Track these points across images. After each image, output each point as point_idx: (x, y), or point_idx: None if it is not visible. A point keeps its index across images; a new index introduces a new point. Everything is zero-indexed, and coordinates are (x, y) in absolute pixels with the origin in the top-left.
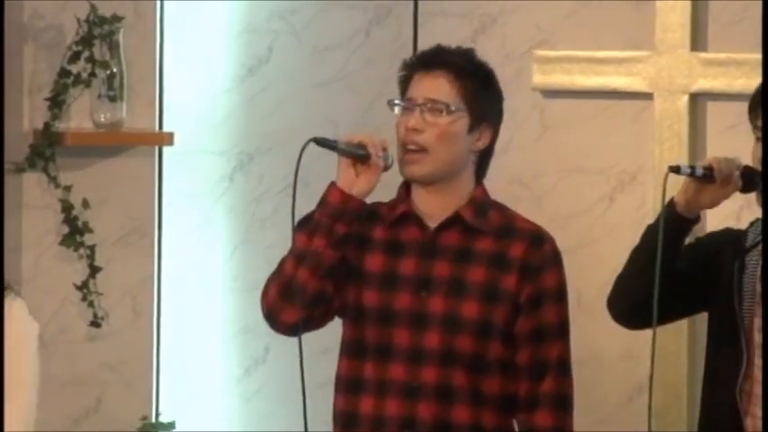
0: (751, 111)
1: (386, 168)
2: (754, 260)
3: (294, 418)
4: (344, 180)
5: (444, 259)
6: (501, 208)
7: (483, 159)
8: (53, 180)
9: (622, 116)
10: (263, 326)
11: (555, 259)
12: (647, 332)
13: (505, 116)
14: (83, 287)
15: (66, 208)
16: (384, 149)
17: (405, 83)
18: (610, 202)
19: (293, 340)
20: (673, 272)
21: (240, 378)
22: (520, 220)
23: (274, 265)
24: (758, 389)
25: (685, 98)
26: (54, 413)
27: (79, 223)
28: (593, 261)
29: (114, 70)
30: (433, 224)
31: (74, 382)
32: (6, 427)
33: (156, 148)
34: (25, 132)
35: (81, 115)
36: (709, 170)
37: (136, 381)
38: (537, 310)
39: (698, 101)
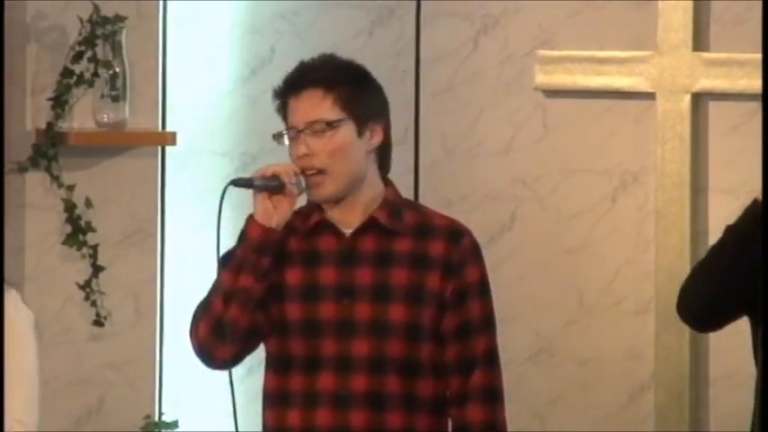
0: None
1: (300, 193)
2: None
3: None
4: (262, 213)
5: (365, 265)
6: (414, 206)
7: (383, 155)
8: (56, 180)
9: (625, 116)
10: None
11: (475, 253)
12: (649, 332)
13: (508, 116)
14: (85, 287)
15: (69, 207)
16: (296, 175)
17: (283, 110)
18: (612, 203)
19: None
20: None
21: (243, 378)
22: (435, 217)
23: None
24: None
25: (687, 98)
26: (56, 413)
27: (82, 223)
28: (596, 261)
29: (117, 70)
30: (348, 230)
31: (76, 382)
32: (7, 418)
33: (159, 148)
34: (28, 132)
35: (84, 115)
36: None
37: (138, 380)
38: (461, 307)
39: (700, 101)
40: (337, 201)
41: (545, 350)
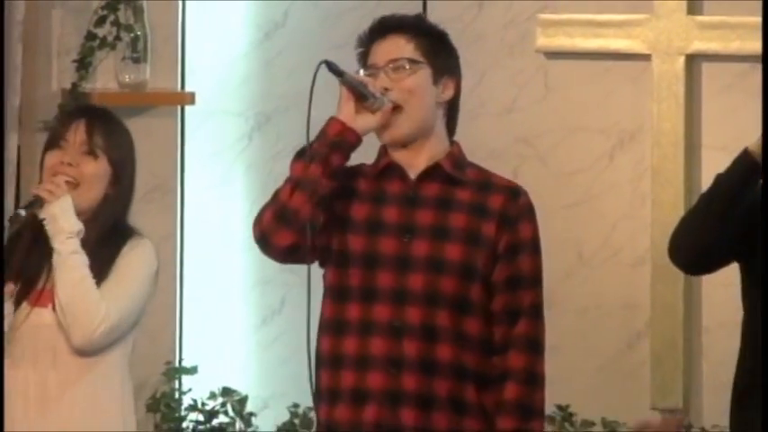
0: None
1: (378, 110)
2: None
3: None
4: (345, 114)
5: (427, 208)
6: (477, 166)
7: (450, 112)
8: None
9: (622, 77)
10: (280, 277)
11: (530, 212)
12: (645, 282)
13: (511, 77)
14: None
15: None
16: (383, 91)
17: (364, 57)
18: (610, 160)
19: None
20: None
21: (258, 327)
22: (496, 177)
23: None
24: None
25: (682, 60)
26: None
27: None
28: (594, 215)
29: (138, 33)
30: (413, 173)
31: None
32: (101, 304)
33: (179, 108)
34: (54, 93)
35: (106, 76)
36: None
37: (160, 331)
38: (513, 259)
39: (694, 62)
40: (405, 144)
41: (546, 300)
